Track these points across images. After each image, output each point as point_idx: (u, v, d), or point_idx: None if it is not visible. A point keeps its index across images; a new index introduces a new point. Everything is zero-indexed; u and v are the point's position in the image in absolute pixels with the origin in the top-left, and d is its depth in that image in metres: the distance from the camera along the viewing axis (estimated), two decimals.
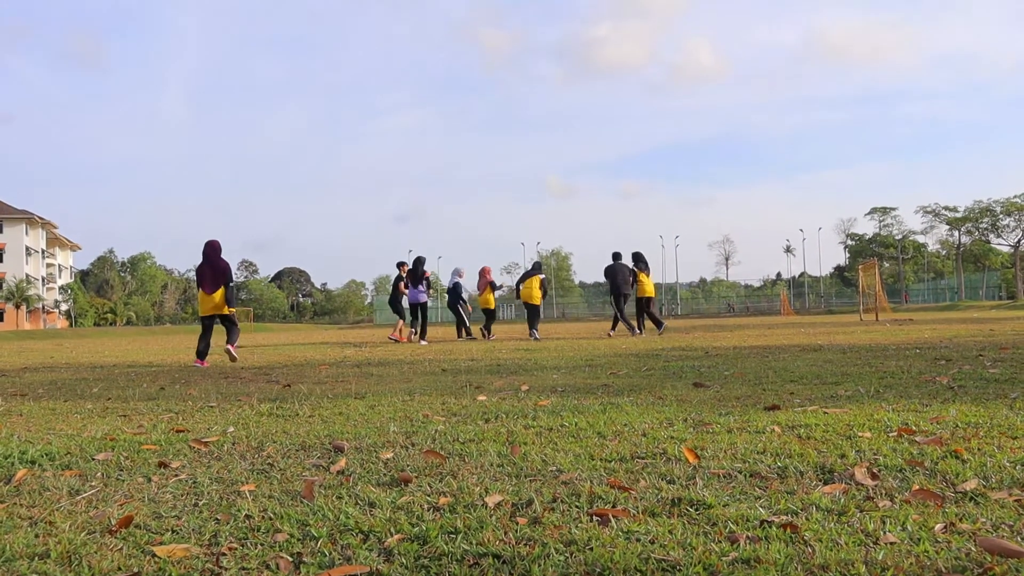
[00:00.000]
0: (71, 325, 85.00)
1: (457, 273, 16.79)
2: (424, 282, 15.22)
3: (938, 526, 1.84)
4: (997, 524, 1.85)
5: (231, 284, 9.87)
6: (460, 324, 16.60)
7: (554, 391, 4.99)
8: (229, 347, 9.65)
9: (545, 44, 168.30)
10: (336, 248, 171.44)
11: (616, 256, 15.80)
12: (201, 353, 9.48)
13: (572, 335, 17.13)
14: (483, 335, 16.31)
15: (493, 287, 16.83)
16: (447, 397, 4.82)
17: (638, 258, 15.86)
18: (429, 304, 15.73)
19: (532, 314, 15.96)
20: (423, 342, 14.51)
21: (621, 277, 15.59)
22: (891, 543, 1.74)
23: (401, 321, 16.36)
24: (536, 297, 15.94)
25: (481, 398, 4.68)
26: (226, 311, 9.78)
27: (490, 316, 16.84)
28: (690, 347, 9.97)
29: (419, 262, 15.23)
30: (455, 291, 16.67)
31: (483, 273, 17.09)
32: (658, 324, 15.45)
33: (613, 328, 15.90)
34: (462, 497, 2.24)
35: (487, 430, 3.41)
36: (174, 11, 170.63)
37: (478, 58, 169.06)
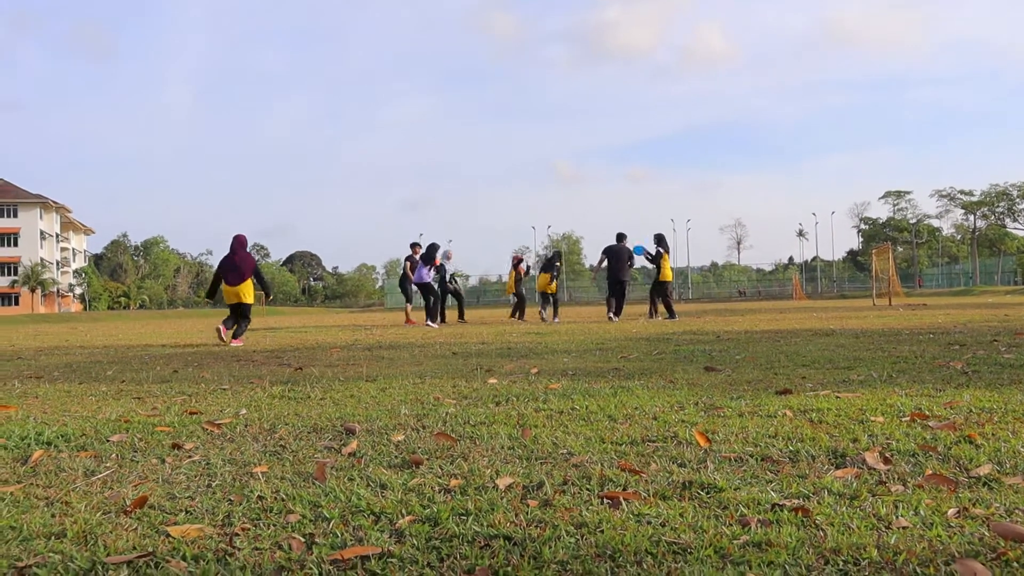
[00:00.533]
0: (85, 309, 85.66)
1: (445, 255, 16.83)
2: (432, 267, 15.23)
3: (951, 511, 1.83)
4: (1011, 509, 1.84)
5: (262, 276, 10.83)
6: (439, 307, 16.59)
7: (565, 374, 5.00)
8: (234, 341, 10.19)
9: (554, 29, 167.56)
10: (347, 232, 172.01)
11: (619, 237, 15.44)
12: (226, 323, 10.36)
13: (583, 319, 17.11)
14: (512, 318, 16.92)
15: (517, 275, 17.03)
16: (458, 380, 4.83)
17: (660, 240, 15.54)
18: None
19: (544, 300, 16.16)
20: (432, 324, 14.56)
21: (619, 262, 15.26)
22: (903, 527, 1.73)
23: (409, 305, 16.40)
24: (548, 288, 16.17)
25: (492, 381, 4.69)
26: (249, 300, 10.53)
27: (517, 303, 17.19)
28: (701, 331, 9.94)
29: (433, 248, 15.27)
30: (440, 272, 16.79)
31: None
32: (671, 312, 15.22)
33: (617, 313, 15.51)
34: (473, 479, 2.25)
35: (498, 413, 3.42)
36: (185, 1, 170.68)
37: (487, 44, 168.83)
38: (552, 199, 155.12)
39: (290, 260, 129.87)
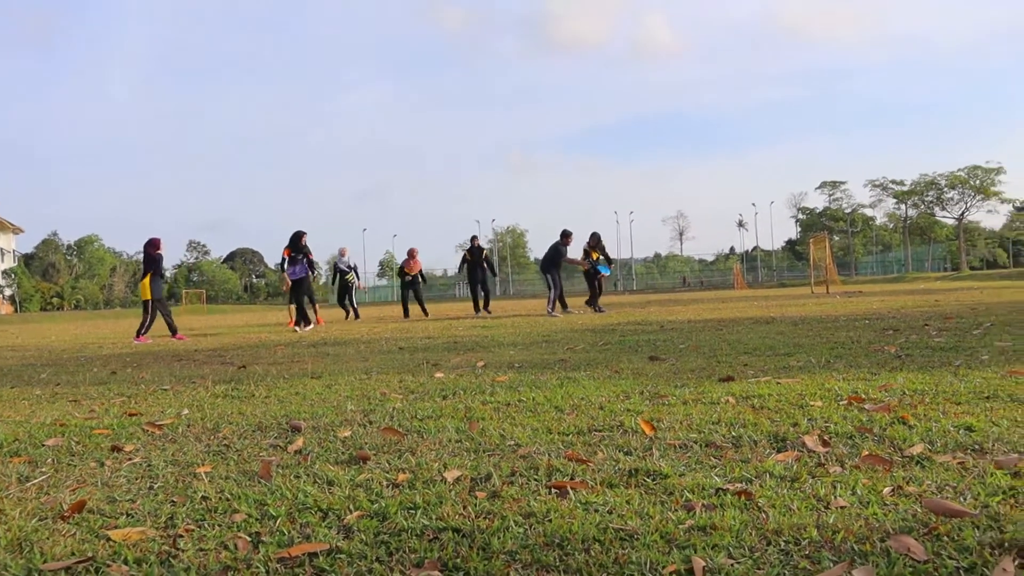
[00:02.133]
0: (16, 311, 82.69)
1: (340, 252, 16.77)
2: (304, 259, 13.14)
3: (886, 489, 1.89)
4: (942, 486, 1.91)
5: (151, 272, 11.58)
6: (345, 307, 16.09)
7: (511, 367, 5.01)
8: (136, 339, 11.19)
9: (506, 19, 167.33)
10: (291, 228, 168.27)
11: (561, 235, 15.17)
12: (142, 329, 11.36)
13: (528, 311, 17.17)
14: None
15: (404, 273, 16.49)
16: (404, 375, 4.80)
17: (596, 238, 15.57)
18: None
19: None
20: (306, 328, 12.63)
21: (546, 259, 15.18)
22: (842, 507, 1.78)
23: (291, 306, 13.63)
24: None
25: (438, 375, 4.68)
26: (145, 296, 11.52)
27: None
28: (645, 321, 10.07)
29: (297, 236, 13.17)
30: (336, 270, 16.69)
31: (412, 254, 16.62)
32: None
33: (551, 304, 15.45)
34: (421, 473, 2.24)
35: (445, 407, 3.42)
36: None
37: (439, 33, 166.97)
38: (501, 189, 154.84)
39: (231, 257, 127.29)
